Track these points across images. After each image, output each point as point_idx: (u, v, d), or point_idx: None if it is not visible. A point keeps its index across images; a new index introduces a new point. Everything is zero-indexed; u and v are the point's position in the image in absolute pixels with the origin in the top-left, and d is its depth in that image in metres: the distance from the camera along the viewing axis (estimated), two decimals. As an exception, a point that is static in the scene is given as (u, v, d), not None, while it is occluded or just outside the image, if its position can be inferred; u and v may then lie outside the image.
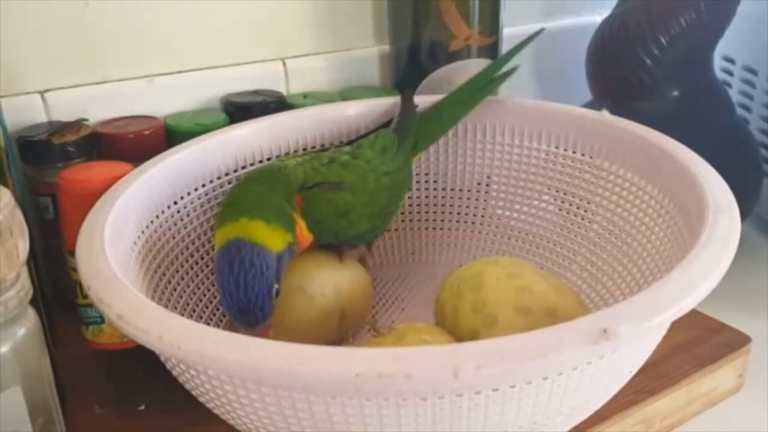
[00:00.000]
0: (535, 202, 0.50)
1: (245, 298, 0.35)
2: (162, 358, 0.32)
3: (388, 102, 0.52)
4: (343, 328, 0.43)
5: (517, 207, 0.51)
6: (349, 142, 0.49)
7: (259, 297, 0.35)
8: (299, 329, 0.41)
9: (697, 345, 0.45)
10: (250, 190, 0.40)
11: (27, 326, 0.32)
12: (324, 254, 0.44)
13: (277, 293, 0.37)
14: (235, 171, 0.47)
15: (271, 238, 0.37)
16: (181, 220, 0.44)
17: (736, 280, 0.35)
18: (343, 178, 0.43)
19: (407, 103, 0.50)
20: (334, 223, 0.43)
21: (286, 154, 0.49)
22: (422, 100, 0.51)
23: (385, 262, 0.54)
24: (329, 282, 0.43)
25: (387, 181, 0.46)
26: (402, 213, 0.54)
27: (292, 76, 0.61)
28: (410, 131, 0.48)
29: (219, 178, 0.46)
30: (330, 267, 0.44)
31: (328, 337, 0.43)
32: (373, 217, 0.45)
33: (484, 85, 0.50)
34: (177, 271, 0.42)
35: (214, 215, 0.46)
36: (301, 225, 0.40)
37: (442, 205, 0.53)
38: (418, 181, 0.53)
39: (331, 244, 0.44)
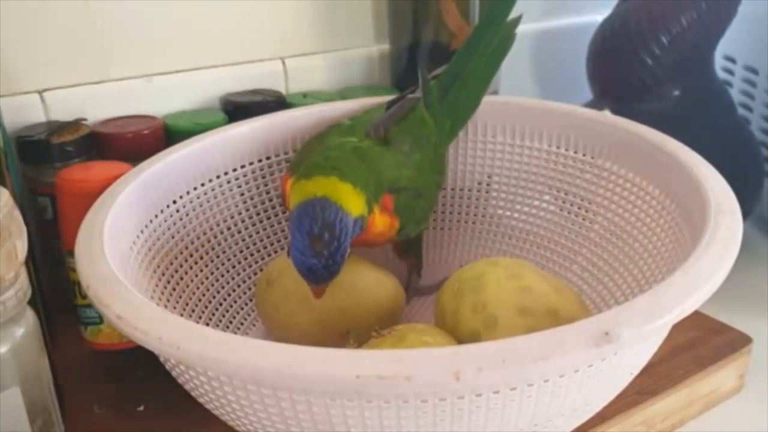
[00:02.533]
0: (536, 203, 0.50)
1: (317, 260, 0.35)
2: (161, 359, 0.32)
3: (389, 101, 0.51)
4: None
5: (518, 207, 0.51)
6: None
7: (330, 261, 0.35)
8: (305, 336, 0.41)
9: (698, 346, 0.45)
10: (350, 159, 0.40)
11: (26, 326, 0.32)
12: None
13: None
14: (234, 170, 0.47)
15: (354, 203, 0.37)
16: (180, 219, 0.43)
17: (737, 281, 0.35)
18: (418, 185, 0.43)
19: (426, 82, 0.47)
20: (414, 229, 0.45)
21: (293, 151, 0.49)
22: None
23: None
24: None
25: (438, 181, 0.46)
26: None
27: (292, 75, 0.61)
28: (442, 111, 0.46)
29: (218, 177, 0.46)
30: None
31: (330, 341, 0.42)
32: (425, 221, 0.46)
33: (497, 44, 0.48)
34: (176, 271, 0.42)
35: (214, 214, 0.46)
36: (376, 213, 0.40)
37: (442, 205, 0.53)
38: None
39: None
